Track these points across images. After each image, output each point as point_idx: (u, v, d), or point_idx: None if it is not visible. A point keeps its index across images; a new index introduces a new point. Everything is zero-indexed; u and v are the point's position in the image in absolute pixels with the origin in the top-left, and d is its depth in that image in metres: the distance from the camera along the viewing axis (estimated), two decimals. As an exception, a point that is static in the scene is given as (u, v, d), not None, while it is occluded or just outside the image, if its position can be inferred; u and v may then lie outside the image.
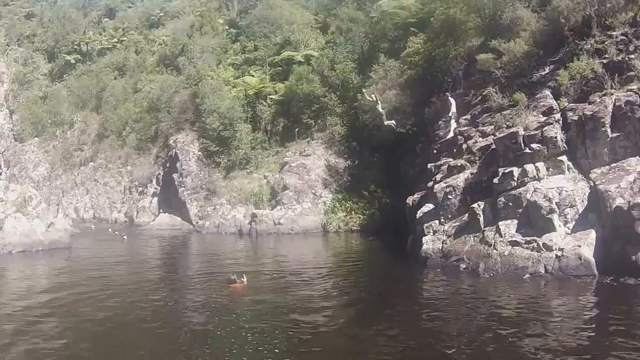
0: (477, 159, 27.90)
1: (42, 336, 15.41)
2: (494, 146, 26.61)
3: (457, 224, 26.15)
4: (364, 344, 14.16)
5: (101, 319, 17.28)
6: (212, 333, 15.01)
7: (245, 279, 22.23)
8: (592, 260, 20.58)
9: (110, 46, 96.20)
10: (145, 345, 14.28)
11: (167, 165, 61.26)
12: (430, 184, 29.14)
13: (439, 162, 30.24)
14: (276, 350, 13.13)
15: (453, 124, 32.62)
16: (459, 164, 28.25)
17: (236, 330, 15.24)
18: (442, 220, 27.11)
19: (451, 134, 31.81)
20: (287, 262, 31.03)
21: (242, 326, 15.74)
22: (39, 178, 73.19)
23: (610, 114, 22.56)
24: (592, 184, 22.16)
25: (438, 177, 28.96)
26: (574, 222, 21.94)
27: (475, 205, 25.06)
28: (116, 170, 72.08)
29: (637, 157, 21.86)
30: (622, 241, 20.25)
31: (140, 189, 66.70)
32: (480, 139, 28.78)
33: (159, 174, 63.71)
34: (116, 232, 49.40)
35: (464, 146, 29.42)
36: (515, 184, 23.64)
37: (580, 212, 21.95)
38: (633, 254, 19.65)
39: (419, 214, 28.58)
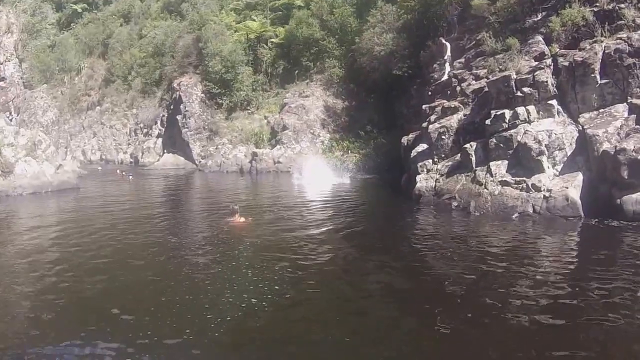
0: (470, 101, 27.84)
1: (45, 267, 15.44)
2: (486, 89, 26.45)
3: (450, 163, 26.13)
4: (360, 281, 14.13)
5: (105, 253, 17.28)
6: (213, 269, 14.94)
7: (241, 218, 22.18)
8: (579, 201, 20.56)
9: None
10: (145, 280, 14.26)
11: (171, 107, 61.02)
12: (424, 124, 28.99)
13: (433, 104, 30.08)
14: (276, 287, 13.08)
15: (447, 67, 32.41)
16: (452, 106, 28.10)
17: (237, 267, 15.21)
18: (436, 159, 27.10)
19: (445, 77, 31.62)
20: (286, 198, 30.97)
21: (243, 263, 15.69)
22: (48, 123, 73.33)
23: (600, 60, 22.33)
24: (580, 128, 22.02)
25: (432, 118, 28.86)
26: (562, 165, 21.87)
27: (467, 145, 24.97)
28: (122, 113, 72.13)
29: (624, 103, 21.68)
30: (608, 184, 20.23)
31: (145, 130, 66.74)
32: (474, 81, 28.62)
33: (163, 115, 63.58)
34: (123, 173, 49.30)
35: (458, 88, 29.29)
36: (507, 125, 23.54)
37: (568, 155, 21.86)
38: (618, 197, 19.63)
39: (413, 153, 28.52)
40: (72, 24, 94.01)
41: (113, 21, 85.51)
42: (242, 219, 21.91)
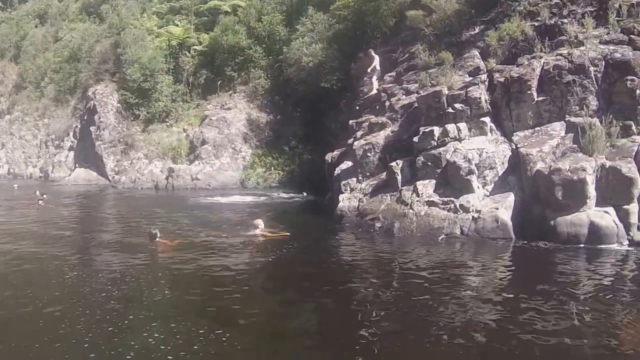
0: (399, 117, 27.55)
1: None
2: (416, 104, 26.17)
3: (375, 182, 25.73)
4: (274, 315, 13.42)
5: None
6: (129, 303, 14.02)
7: (164, 240, 21.48)
8: (509, 223, 20.24)
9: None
10: (43, 323, 13.18)
11: (85, 117, 59.47)
12: (350, 140, 28.63)
13: (360, 119, 29.82)
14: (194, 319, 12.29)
15: (374, 82, 32.44)
16: (380, 122, 27.78)
17: (156, 300, 14.35)
18: (360, 178, 26.67)
19: (374, 91, 31.46)
20: (205, 218, 30.20)
21: (161, 293, 14.90)
22: None
23: (538, 77, 22.28)
24: (514, 147, 21.84)
25: (359, 134, 28.54)
26: (493, 185, 21.64)
27: (393, 163, 24.49)
28: (33, 123, 70.10)
29: (562, 122, 21.61)
30: (541, 205, 20.00)
31: (57, 142, 64.76)
32: (404, 96, 28.46)
33: (76, 126, 61.84)
34: (37, 193, 47.62)
35: (387, 103, 29.12)
36: (436, 143, 23.20)
37: (500, 174, 21.64)
38: (552, 218, 19.36)
39: (337, 171, 28.01)
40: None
41: (28, 22, 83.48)
42: (165, 242, 21.22)
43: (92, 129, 56.58)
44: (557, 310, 12.16)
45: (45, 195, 41.49)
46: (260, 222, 23.71)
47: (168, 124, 54.28)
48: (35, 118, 70.25)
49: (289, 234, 22.70)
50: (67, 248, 22.83)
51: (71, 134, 62.72)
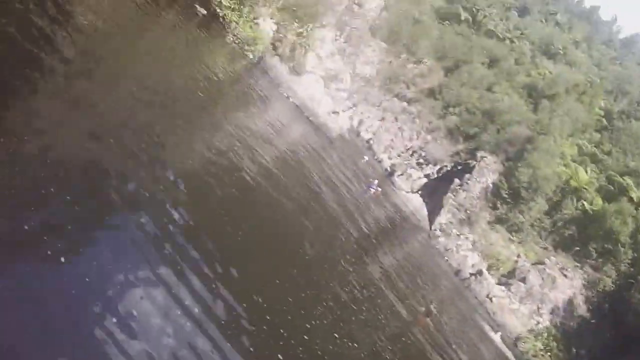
0: None
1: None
2: None
3: None
4: None
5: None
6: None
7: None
8: None
9: None
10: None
11: (459, 167, 62.99)
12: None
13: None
14: None
15: None
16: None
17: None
18: None
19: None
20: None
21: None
22: (364, 74, 68.31)
23: None
24: None
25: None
26: None
27: None
28: (418, 128, 69.74)
29: None
30: None
31: (425, 163, 66.41)
32: None
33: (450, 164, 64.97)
34: (375, 182, 48.49)
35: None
36: None
37: None
38: None
39: None
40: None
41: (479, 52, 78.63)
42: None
43: (457, 180, 59.35)
44: None
45: (380, 189, 44.97)
46: None
47: (511, 238, 56.07)
48: (423, 127, 69.54)
49: None
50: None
51: (437, 165, 64.84)
